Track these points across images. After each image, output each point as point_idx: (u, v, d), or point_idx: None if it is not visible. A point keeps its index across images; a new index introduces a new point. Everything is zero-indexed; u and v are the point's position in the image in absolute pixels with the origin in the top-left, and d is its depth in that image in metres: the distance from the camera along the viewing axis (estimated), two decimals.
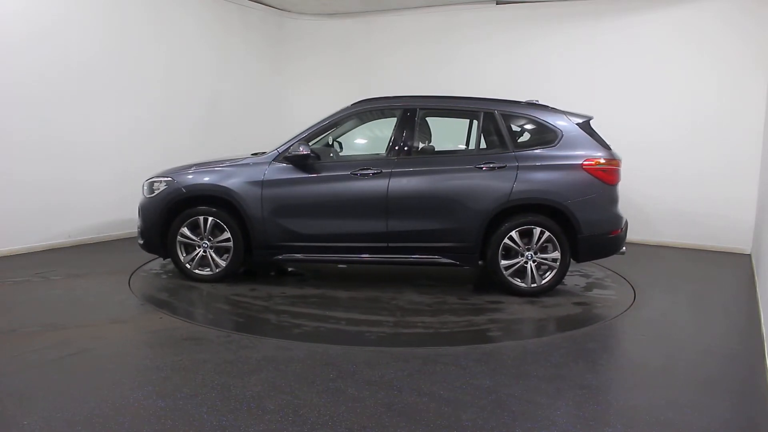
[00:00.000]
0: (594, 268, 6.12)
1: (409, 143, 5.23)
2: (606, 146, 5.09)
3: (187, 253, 5.34)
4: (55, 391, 3.03)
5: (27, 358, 3.46)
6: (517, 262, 5.02)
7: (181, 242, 5.31)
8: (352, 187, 5.13)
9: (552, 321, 4.55)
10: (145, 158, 7.38)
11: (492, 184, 5.01)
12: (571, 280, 5.71)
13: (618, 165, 5.07)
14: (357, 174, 5.12)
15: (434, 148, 5.53)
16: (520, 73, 8.26)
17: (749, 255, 7.13)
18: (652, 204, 7.61)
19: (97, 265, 5.87)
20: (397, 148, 5.22)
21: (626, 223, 5.21)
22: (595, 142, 5.10)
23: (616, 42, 7.80)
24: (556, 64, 8.10)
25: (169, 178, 5.39)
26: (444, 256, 5.10)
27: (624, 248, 5.24)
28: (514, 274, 5.05)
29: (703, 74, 7.38)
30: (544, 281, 5.04)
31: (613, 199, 5.06)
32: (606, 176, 4.99)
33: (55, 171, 6.44)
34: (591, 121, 5.24)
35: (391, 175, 5.10)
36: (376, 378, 3.29)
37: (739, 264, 6.74)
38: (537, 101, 5.32)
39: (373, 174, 5.11)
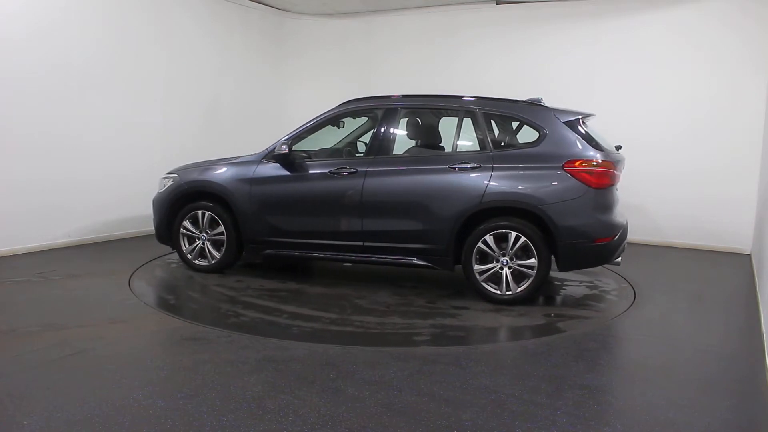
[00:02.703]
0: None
1: (387, 143, 5.21)
2: (597, 147, 4.77)
3: (190, 244, 5.68)
4: (55, 391, 3.03)
5: (27, 358, 3.46)
6: (492, 268, 4.78)
7: (184, 234, 5.66)
8: (329, 186, 5.20)
9: (500, 330, 4.37)
10: (146, 158, 7.39)
11: (464, 185, 4.82)
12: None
13: (609, 167, 4.68)
14: (335, 173, 5.18)
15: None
16: (521, 73, 8.26)
17: (749, 255, 7.13)
18: (652, 204, 7.60)
19: (97, 265, 5.87)
20: (374, 147, 5.24)
21: (623, 230, 4.87)
22: (583, 141, 4.75)
23: (617, 42, 7.80)
24: (556, 64, 8.09)
25: (175, 175, 5.78)
26: (419, 258, 5.00)
27: (619, 259, 4.91)
28: (490, 280, 4.81)
29: (703, 74, 7.38)
30: (519, 289, 4.73)
31: (600, 204, 4.68)
32: (591, 179, 4.62)
33: (55, 171, 6.43)
34: (584, 119, 4.97)
35: (366, 174, 5.09)
36: (376, 378, 3.29)
37: (739, 264, 6.74)
38: (540, 99, 5.18)
39: (348, 173, 5.13)
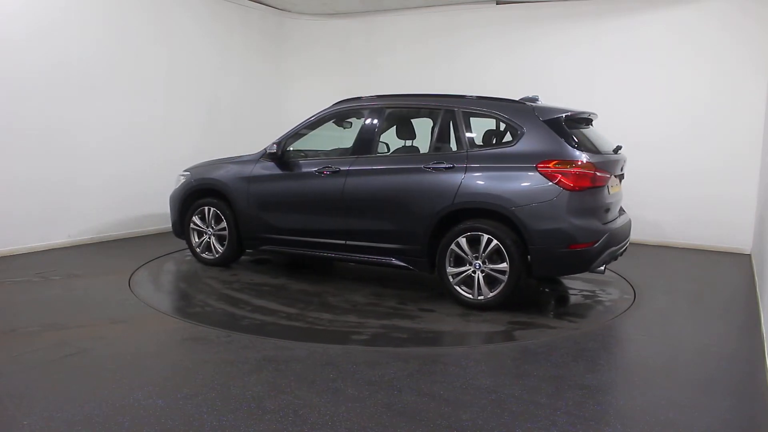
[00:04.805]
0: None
1: (369, 142, 5.24)
2: (580, 147, 4.52)
3: (199, 238, 5.97)
4: (55, 391, 3.03)
5: (27, 358, 3.46)
6: (464, 271, 4.64)
7: (193, 229, 5.97)
8: (315, 185, 5.30)
9: (450, 335, 4.23)
10: (146, 158, 7.40)
11: (437, 185, 4.73)
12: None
13: (589, 169, 4.41)
14: (320, 172, 5.27)
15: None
16: (521, 73, 8.25)
17: (749, 255, 7.13)
18: (652, 204, 7.60)
19: (97, 265, 5.87)
20: (358, 147, 5.28)
21: (607, 237, 4.54)
22: (561, 141, 4.50)
23: (617, 42, 7.80)
24: (556, 64, 8.09)
25: (188, 173, 6.10)
26: (397, 259, 4.97)
27: (602, 267, 4.59)
28: (464, 284, 4.67)
29: (703, 74, 7.38)
30: (491, 294, 4.56)
31: (577, 208, 4.40)
32: (566, 180, 4.37)
33: (56, 171, 6.43)
34: (572, 118, 4.75)
35: (347, 174, 5.14)
36: (376, 378, 3.29)
37: (739, 264, 6.74)
38: (537, 98, 5.13)
39: (331, 172, 5.20)
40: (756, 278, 5.85)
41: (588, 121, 5.15)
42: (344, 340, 3.98)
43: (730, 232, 7.32)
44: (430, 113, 5.32)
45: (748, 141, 7.12)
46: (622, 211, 5.33)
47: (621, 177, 5.19)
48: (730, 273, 6.43)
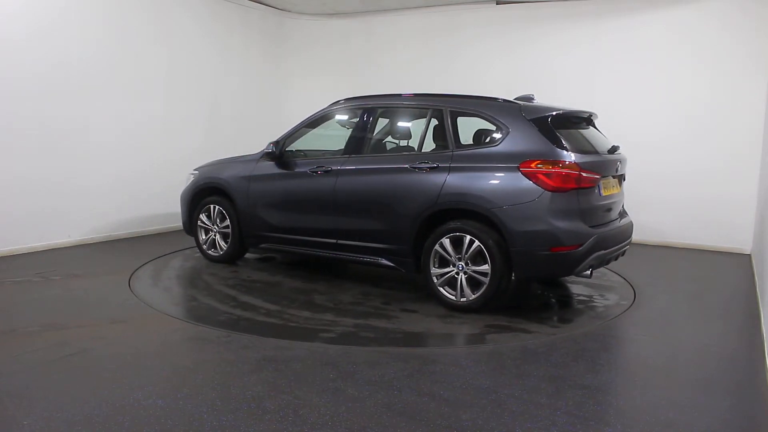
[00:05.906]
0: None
1: (361, 142, 5.27)
2: (567, 147, 4.39)
3: (206, 235, 6.14)
4: (55, 391, 3.03)
5: (27, 358, 3.46)
6: (448, 272, 4.60)
7: (200, 226, 6.14)
8: (309, 184, 5.37)
9: (420, 336, 4.14)
10: (146, 158, 7.39)
11: (422, 185, 4.70)
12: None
13: (573, 169, 4.29)
14: (314, 171, 5.34)
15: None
16: (521, 73, 8.25)
17: (749, 255, 7.13)
18: (652, 204, 7.59)
19: (97, 265, 5.87)
20: (350, 147, 5.31)
21: (595, 240, 4.40)
22: (546, 140, 4.40)
23: (617, 42, 7.80)
24: (556, 64, 8.09)
25: (197, 171, 6.26)
26: (386, 259, 4.97)
27: (589, 272, 4.47)
28: (448, 285, 4.63)
29: (703, 74, 7.38)
30: (473, 296, 4.49)
31: (559, 210, 4.28)
32: (548, 181, 4.27)
33: (56, 171, 6.43)
34: (562, 117, 4.66)
35: (338, 173, 5.18)
36: (376, 378, 3.29)
37: (739, 264, 6.74)
38: (532, 97, 5.09)
39: (324, 172, 5.25)
40: (756, 278, 5.85)
41: (588, 121, 5.12)
42: (311, 338, 3.98)
43: (730, 232, 7.32)
44: (419, 113, 5.33)
45: (748, 141, 7.12)
46: (623, 213, 5.29)
47: (621, 178, 5.16)
48: (730, 273, 6.43)
